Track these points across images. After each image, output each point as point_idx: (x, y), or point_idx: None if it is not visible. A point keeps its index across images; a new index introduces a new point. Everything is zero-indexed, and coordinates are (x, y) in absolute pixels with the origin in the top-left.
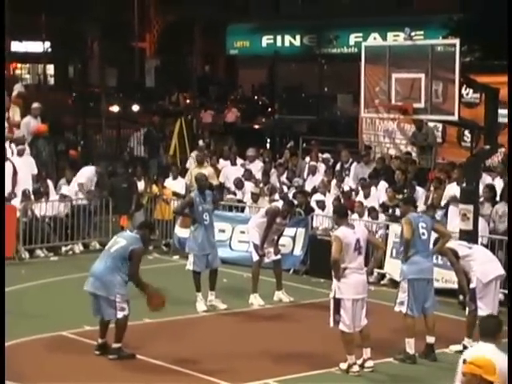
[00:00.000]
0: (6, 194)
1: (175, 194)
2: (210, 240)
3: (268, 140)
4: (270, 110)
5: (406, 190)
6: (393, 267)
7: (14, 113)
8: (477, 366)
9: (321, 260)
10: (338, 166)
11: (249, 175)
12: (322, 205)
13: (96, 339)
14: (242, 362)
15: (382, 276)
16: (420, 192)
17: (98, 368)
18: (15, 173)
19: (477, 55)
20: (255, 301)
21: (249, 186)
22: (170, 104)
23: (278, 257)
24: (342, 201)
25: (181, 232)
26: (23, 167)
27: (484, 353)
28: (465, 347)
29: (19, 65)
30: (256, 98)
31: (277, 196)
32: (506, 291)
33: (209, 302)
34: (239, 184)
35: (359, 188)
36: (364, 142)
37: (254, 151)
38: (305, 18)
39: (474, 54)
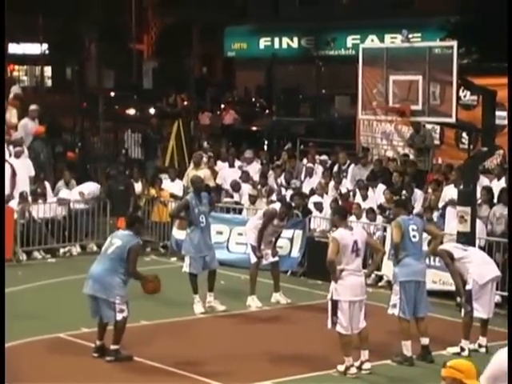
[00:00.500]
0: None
1: (173, 195)
2: (206, 242)
3: (266, 142)
4: (267, 111)
5: (404, 192)
6: (390, 269)
7: (11, 115)
8: (457, 370)
9: (318, 262)
10: (335, 168)
11: (246, 177)
12: (319, 207)
13: (93, 341)
14: (240, 364)
15: (380, 278)
16: (418, 194)
17: (95, 370)
18: (14, 174)
19: (474, 57)
20: (253, 303)
21: (246, 188)
22: (168, 106)
23: (276, 259)
24: (340, 203)
25: (178, 234)
26: (21, 169)
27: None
28: (462, 349)
29: (17, 67)
30: (254, 99)
31: (274, 198)
32: (504, 293)
33: (208, 303)
34: (236, 186)
35: (357, 190)
36: (361, 143)
37: (251, 153)
38: (302, 20)
39: (472, 56)
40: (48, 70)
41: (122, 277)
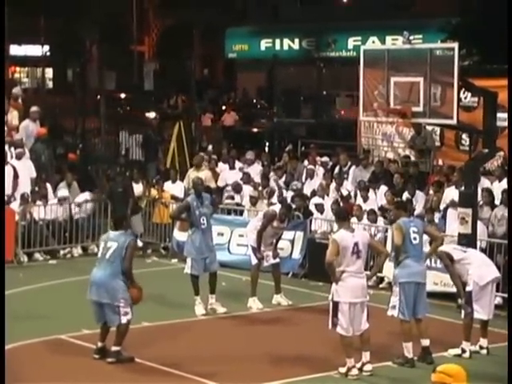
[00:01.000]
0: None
1: (173, 197)
2: (207, 243)
3: (267, 143)
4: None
5: (406, 193)
6: (391, 271)
7: (12, 117)
8: (446, 375)
9: (319, 263)
10: (336, 170)
11: (247, 179)
12: (320, 208)
13: (95, 342)
14: (241, 366)
15: (381, 279)
16: (419, 195)
17: (96, 371)
18: (16, 176)
19: (475, 59)
20: (254, 304)
21: (247, 190)
22: (169, 107)
23: (277, 260)
24: (341, 204)
25: (179, 235)
26: (22, 171)
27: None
28: (463, 350)
29: (18, 68)
30: (255, 101)
31: (275, 199)
32: (505, 295)
33: (209, 305)
34: (237, 188)
35: (358, 191)
36: (362, 145)
37: (252, 154)
38: (303, 21)
39: (473, 57)
40: (49, 72)
41: (124, 279)
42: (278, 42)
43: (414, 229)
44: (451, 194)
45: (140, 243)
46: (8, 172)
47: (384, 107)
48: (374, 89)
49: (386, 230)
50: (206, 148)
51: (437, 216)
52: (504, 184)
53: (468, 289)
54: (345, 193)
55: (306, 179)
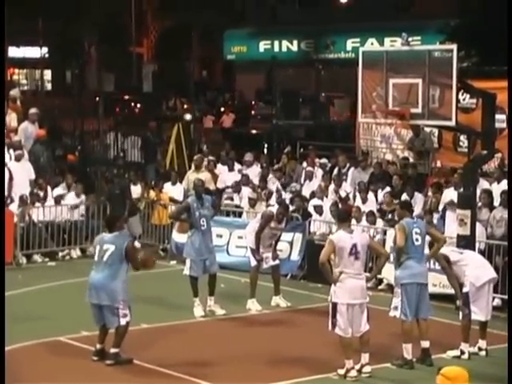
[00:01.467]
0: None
1: (172, 199)
2: (207, 245)
3: (265, 145)
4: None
5: (406, 194)
6: (390, 272)
7: (10, 119)
8: (445, 378)
9: (318, 265)
10: (335, 171)
11: (246, 180)
12: (319, 210)
13: (93, 344)
14: (240, 367)
15: (380, 281)
16: (418, 197)
17: (95, 373)
18: (11, 178)
19: (474, 60)
20: (253, 306)
21: (246, 191)
22: (168, 109)
23: (277, 262)
24: (340, 206)
25: (178, 237)
26: (21, 172)
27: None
28: (462, 352)
29: (17, 70)
30: (253, 102)
31: (274, 201)
32: (504, 296)
33: (208, 307)
34: (237, 188)
35: (357, 193)
36: (361, 147)
37: (251, 156)
38: (302, 23)
39: (471, 59)
40: (48, 74)
41: (123, 278)
42: (276, 43)
43: (417, 230)
44: (450, 195)
45: (138, 245)
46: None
47: (383, 109)
48: (373, 90)
49: (385, 232)
50: (203, 150)
51: (435, 217)
52: (503, 185)
53: (465, 290)
54: (343, 194)
55: (304, 181)
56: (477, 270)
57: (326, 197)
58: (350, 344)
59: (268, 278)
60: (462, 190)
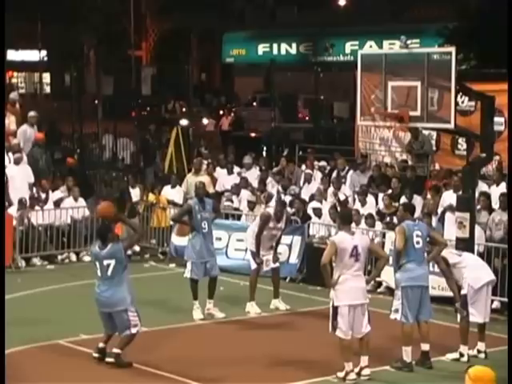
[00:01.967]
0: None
1: (172, 202)
2: (208, 248)
3: (264, 148)
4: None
5: (405, 197)
6: (389, 275)
7: (9, 122)
8: (469, 378)
9: (317, 268)
10: (334, 174)
11: (245, 183)
12: (318, 212)
13: (93, 347)
14: (239, 370)
15: (379, 284)
16: (417, 200)
17: (94, 376)
18: (6, 181)
19: (472, 63)
20: (252, 309)
21: (245, 194)
22: (166, 112)
23: (277, 265)
24: (339, 209)
25: (177, 240)
26: (20, 176)
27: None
28: (461, 355)
29: (15, 73)
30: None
31: (273, 204)
32: (503, 299)
33: (207, 310)
34: (236, 189)
35: (355, 196)
36: (360, 149)
37: (250, 159)
38: (301, 26)
39: (470, 61)
40: (47, 77)
41: (128, 281)
42: (275, 46)
43: (418, 232)
44: (449, 198)
45: (137, 248)
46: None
47: (381, 111)
48: (372, 93)
49: (384, 235)
50: (202, 153)
51: (434, 220)
52: (501, 188)
53: (463, 292)
54: (342, 197)
55: (303, 184)
56: (475, 272)
57: (325, 200)
58: (349, 346)
59: (267, 281)
60: (461, 192)
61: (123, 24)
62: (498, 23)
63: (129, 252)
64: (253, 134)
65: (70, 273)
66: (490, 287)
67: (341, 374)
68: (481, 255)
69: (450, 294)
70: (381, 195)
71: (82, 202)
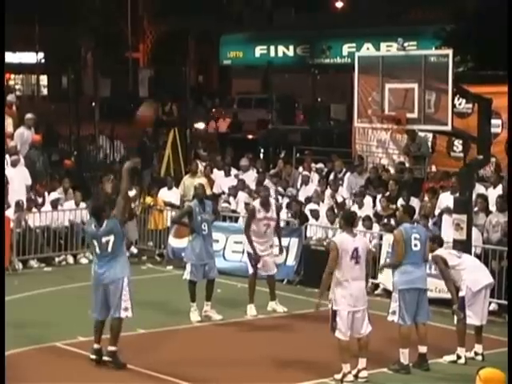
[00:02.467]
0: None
1: (170, 204)
2: (207, 250)
3: (262, 150)
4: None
5: (402, 199)
6: (386, 277)
7: (6, 124)
8: (479, 378)
9: (314, 270)
10: (331, 176)
11: (242, 185)
12: (315, 214)
13: (89, 350)
14: (236, 372)
15: (376, 286)
16: (415, 202)
17: (91, 379)
18: (6, 183)
19: (469, 65)
20: (249, 311)
21: (242, 196)
22: (164, 114)
23: (274, 272)
24: (336, 211)
25: (174, 242)
26: (17, 178)
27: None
28: (458, 357)
29: (13, 75)
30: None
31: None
32: (501, 301)
33: (204, 312)
34: (233, 191)
35: (353, 198)
36: (357, 152)
37: (247, 161)
38: (298, 28)
39: (467, 64)
40: (44, 79)
41: (125, 253)
42: (272, 48)
43: (416, 235)
44: (446, 200)
45: (135, 250)
46: None
47: (378, 114)
48: (369, 95)
49: (381, 237)
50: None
51: (430, 222)
52: (499, 190)
53: (461, 294)
54: (340, 199)
55: (300, 186)
56: (474, 274)
57: (322, 202)
58: (347, 348)
59: (265, 282)
60: (458, 194)
61: (121, 26)
62: (494, 25)
63: (127, 254)
64: (250, 136)
65: (67, 275)
66: (488, 290)
67: (338, 376)
68: (478, 257)
69: (447, 296)
70: (378, 197)
71: (80, 204)
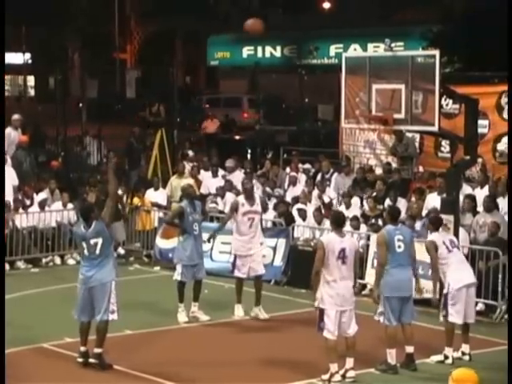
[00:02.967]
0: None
1: (154, 204)
2: (198, 250)
3: (249, 151)
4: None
5: (389, 199)
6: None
7: None
8: (454, 381)
9: (302, 270)
10: (318, 177)
11: (230, 186)
12: (303, 214)
13: (77, 351)
14: (223, 372)
15: (364, 286)
16: (402, 202)
17: (78, 379)
18: None
19: (456, 66)
20: (236, 311)
21: (230, 197)
22: (151, 115)
23: (262, 272)
24: (323, 211)
25: (162, 243)
26: (4, 178)
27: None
28: (446, 357)
29: None
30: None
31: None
32: (487, 301)
33: (191, 313)
34: (221, 192)
35: (340, 198)
36: (344, 152)
37: (232, 162)
38: (285, 29)
39: (454, 64)
40: (31, 80)
41: (113, 255)
42: (259, 49)
43: (400, 237)
44: (433, 200)
45: (122, 251)
46: None
47: (366, 114)
48: (356, 96)
49: (369, 237)
50: (187, 155)
51: (418, 224)
52: (486, 191)
53: (445, 291)
54: (327, 200)
55: (288, 186)
56: (457, 272)
57: (310, 202)
58: (335, 347)
59: (252, 284)
60: (445, 195)
61: (108, 27)
62: (482, 26)
63: (114, 254)
64: (237, 137)
65: (55, 276)
66: (470, 289)
67: (325, 376)
68: (465, 257)
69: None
70: (365, 197)
71: (67, 205)
